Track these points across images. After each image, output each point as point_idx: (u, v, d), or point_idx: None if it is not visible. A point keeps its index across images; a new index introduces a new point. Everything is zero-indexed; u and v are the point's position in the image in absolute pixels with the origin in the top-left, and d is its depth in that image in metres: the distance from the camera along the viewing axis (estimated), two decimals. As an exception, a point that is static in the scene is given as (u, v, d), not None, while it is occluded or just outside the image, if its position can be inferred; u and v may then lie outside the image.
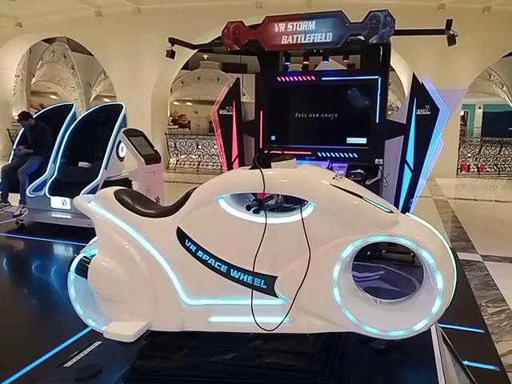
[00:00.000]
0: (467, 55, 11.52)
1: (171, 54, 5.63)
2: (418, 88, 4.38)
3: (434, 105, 4.26)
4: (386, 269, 4.09)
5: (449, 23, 4.50)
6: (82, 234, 4.82)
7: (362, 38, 4.38)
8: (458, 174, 12.75)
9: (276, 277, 1.72)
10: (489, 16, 11.43)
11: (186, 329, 1.84)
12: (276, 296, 1.73)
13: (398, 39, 4.65)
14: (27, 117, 6.25)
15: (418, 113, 4.34)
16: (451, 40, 4.60)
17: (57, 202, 6.09)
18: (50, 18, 13.90)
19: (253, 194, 1.83)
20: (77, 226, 5.52)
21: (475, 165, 13.45)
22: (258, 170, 1.69)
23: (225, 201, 1.75)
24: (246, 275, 1.74)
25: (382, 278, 3.88)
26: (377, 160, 4.61)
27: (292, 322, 1.73)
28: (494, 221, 7.25)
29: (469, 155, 13.66)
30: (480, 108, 28.26)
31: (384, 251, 4.45)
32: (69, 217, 5.92)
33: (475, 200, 9.61)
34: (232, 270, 1.76)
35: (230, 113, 5.15)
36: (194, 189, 1.82)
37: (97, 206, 1.97)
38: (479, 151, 13.78)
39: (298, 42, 4.57)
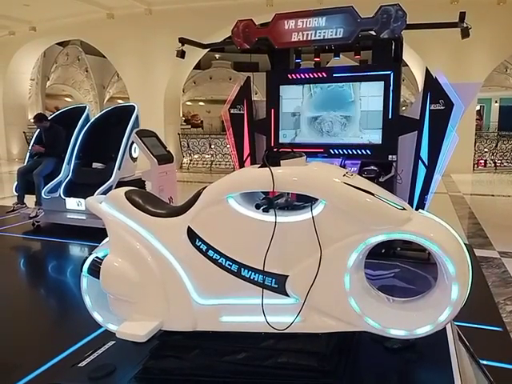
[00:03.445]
0: (482, 48, 11.28)
1: (181, 54, 5.64)
2: (431, 82, 4.31)
3: (448, 99, 4.19)
4: (401, 266, 4.05)
5: (462, 16, 4.42)
6: (97, 234, 4.83)
7: (373, 33, 4.33)
8: (474, 169, 12.54)
9: (287, 276, 1.71)
10: (504, 8, 11.17)
11: (198, 328, 1.84)
12: (287, 295, 1.72)
13: (411, 33, 4.58)
14: (42, 119, 6.33)
15: (432, 108, 4.27)
16: (465, 33, 4.52)
17: (72, 203, 6.17)
18: (64, 21, 14.08)
19: (263, 192, 1.81)
20: (92, 227, 5.57)
21: (492, 160, 13.19)
22: (267, 169, 1.67)
23: (234, 200, 1.74)
24: (257, 274, 1.73)
25: (397, 276, 3.84)
26: (390, 156, 4.56)
27: (304, 321, 1.71)
28: (512, 216, 7.12)
29: (485, 150, 13.42)
30: (496, 102, 27.75)
31: (399, 249, 4.39)
32: (84, 217, 5.98)
33: (492, 196, 9.43)
34: (243, 269, 1.75)
35: (242, 111, 5.14)
36: (204, 188, 1.81)
37: (108, 206, 1.97)
38: (496, 146, 13.54)
39: (309, 38, 4.53)
